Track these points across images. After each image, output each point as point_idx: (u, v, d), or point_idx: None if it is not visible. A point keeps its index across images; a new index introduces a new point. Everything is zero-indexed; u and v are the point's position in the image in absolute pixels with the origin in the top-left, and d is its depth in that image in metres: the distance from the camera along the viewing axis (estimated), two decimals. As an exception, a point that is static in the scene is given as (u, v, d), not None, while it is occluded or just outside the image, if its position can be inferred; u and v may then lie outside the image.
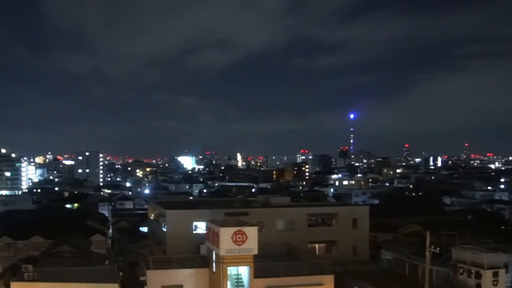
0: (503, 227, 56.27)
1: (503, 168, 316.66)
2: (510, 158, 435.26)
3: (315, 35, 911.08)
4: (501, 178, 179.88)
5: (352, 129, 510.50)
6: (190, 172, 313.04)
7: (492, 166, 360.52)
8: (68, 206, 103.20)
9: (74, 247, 42.66)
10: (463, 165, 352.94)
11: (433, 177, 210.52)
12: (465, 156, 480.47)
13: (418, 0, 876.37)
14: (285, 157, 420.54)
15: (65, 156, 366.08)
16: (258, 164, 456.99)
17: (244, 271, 32.95)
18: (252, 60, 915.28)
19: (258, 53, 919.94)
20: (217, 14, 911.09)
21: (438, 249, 31.12)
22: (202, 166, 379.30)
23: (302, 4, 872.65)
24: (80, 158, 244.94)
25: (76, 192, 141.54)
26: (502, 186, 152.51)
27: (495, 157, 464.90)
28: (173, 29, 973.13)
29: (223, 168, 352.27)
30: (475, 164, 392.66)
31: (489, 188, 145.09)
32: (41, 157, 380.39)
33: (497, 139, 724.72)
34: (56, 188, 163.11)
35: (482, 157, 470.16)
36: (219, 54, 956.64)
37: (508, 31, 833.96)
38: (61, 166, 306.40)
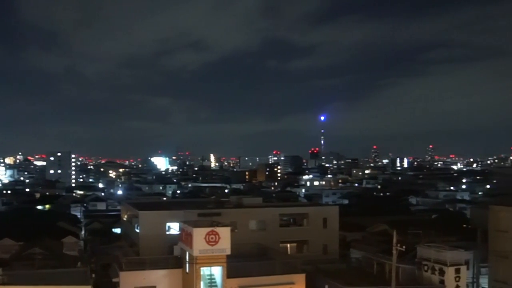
0: (464, 226, 58.29)
1: (464, 169, 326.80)
2: (471, 159, 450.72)
3: (288, 38, 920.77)
4: (463, 179, 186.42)
5: (322, 130, 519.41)
6: (163, 173, 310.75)
7: (455, 167, 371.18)
8: (39, 207, 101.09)
9: (46, 249, 42.30)
10: (427, 166, 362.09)
11: (399, 178, 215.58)
12: (429, 157, 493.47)
13: (387, 6, 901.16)
14: (257, 158, 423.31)
15: (36, 156, 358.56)
16: (231, 165, 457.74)
17: (217, 272, 33.19)
18: (226, 62, 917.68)
19: (232, 54, 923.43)
20: (191, 15, 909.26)
21: (404, 247, 32.06)
22: (176, 167, 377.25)
23: (276, 8, 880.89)
24: (52, 158, 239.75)
25: (47, 193, 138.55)
26: (463, 186, 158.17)
27: (457, 158, 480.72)
28: (148, 30, 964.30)
29: (196, 169, 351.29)
30: (439, 165, 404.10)
31: (452, 188, 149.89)
32: (12, 157, 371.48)
33: (459, 141, 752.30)
34: (27, 189, 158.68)
35: (445, 159, 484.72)
36: (193, 55, 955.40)
37: (469, 38, 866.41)
38: (32, 167, 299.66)
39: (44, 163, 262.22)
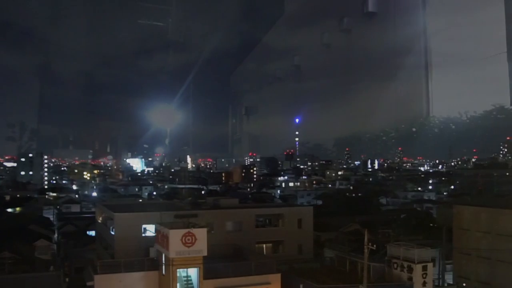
0: (431, 225, 60.43)
1: (431, 171, 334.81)
2: (437, 161, 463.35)
3: (267, 40, 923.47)
4: (429, 180, 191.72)
5: (297, 132, 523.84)
6: (139, 174, 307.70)
7: (422, 168, 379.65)
8: (9, 210, 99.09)
9: (16, 253, 41.77)
10: (397, 167, 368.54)
11: (370, 179, 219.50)
12: (398, 159, 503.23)
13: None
14: (233, 160, 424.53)
15: (6, 157, 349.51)
16: (208, 166, 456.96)
17: (193, 273, 33.25)
18: (204, 63, 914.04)
19: (210, 55, 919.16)
20: (170, 16, 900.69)
21: (375, 246, 32.96)
22: (152, 168, 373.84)
23: (255, 10, 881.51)
24: (23, 159, 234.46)
25: (18, 195, 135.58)
26: (430, 187, 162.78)
27: (424, 160, 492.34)
28: (125, 29, 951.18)
29: (173, 170, 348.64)
30: (407, 166, 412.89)
31: (419, 189, 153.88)
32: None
33: (426, 144, 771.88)
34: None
35: (413, 160, 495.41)
36: (171, 55, 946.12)
37: (437, 46, 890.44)
38: (1, 168, 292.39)
39: (15, 164, 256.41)
